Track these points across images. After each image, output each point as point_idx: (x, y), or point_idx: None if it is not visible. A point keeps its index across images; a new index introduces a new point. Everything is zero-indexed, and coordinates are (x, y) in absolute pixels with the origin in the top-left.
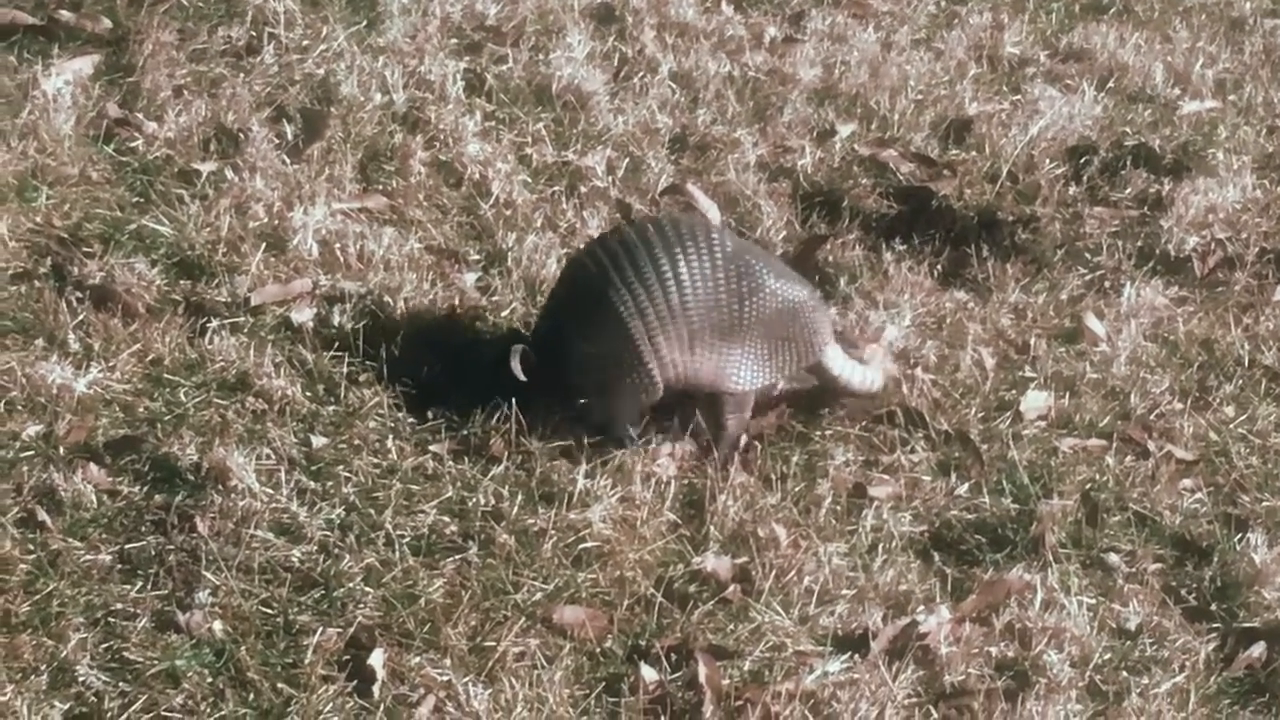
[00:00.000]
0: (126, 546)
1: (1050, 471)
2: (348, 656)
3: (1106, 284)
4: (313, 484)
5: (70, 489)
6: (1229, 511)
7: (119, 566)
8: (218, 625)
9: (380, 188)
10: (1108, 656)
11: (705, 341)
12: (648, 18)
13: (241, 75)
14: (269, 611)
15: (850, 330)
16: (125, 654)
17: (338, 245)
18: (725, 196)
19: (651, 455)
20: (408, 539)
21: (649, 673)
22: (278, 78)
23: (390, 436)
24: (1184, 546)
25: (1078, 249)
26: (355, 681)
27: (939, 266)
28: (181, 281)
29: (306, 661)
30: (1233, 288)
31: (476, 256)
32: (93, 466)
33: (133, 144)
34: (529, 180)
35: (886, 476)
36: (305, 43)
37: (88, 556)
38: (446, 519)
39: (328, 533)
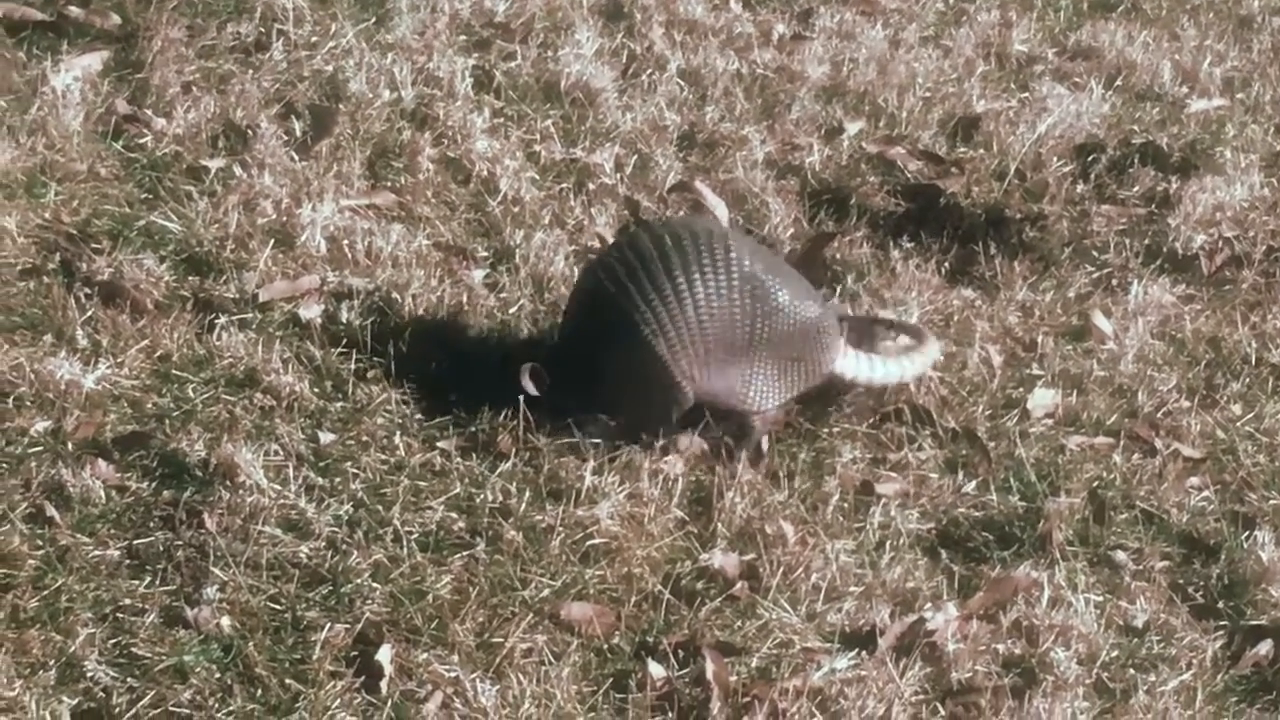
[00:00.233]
0: (135, 542)
1: (1057, 469)
2: (355, 652)
3: (1114, 282)
4: (321, 480)
5: (78, 485)
6: (1236, 509)
7: (127, 562)
8: (226, 621)
9: (388, 184)
10: (1115, 654)
11: (719, 359)
12: (656, 15)
13: (250, 72)
14: (277, 607)
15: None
16: (133, 649)
17: (346, 242)
18: (733, 194)
19: (661, 452)
20: (416, 535)
21: (656, 669)
22: (286, 74)
23: (398, 433)
24: (1191, 544)
25: (1085, 247)
26: (363, 677)
27: (946, 264)
28: (190, 278)
29: (314, 657)
30: (1240, 286)
31: (484, 253)
32: (101, 462)
33: (141, 140)
34: (537, 177)
35: (894, 474)
36: (314, 39)
37: (96, 552)
38: (454, 515)
39: (335, 529)
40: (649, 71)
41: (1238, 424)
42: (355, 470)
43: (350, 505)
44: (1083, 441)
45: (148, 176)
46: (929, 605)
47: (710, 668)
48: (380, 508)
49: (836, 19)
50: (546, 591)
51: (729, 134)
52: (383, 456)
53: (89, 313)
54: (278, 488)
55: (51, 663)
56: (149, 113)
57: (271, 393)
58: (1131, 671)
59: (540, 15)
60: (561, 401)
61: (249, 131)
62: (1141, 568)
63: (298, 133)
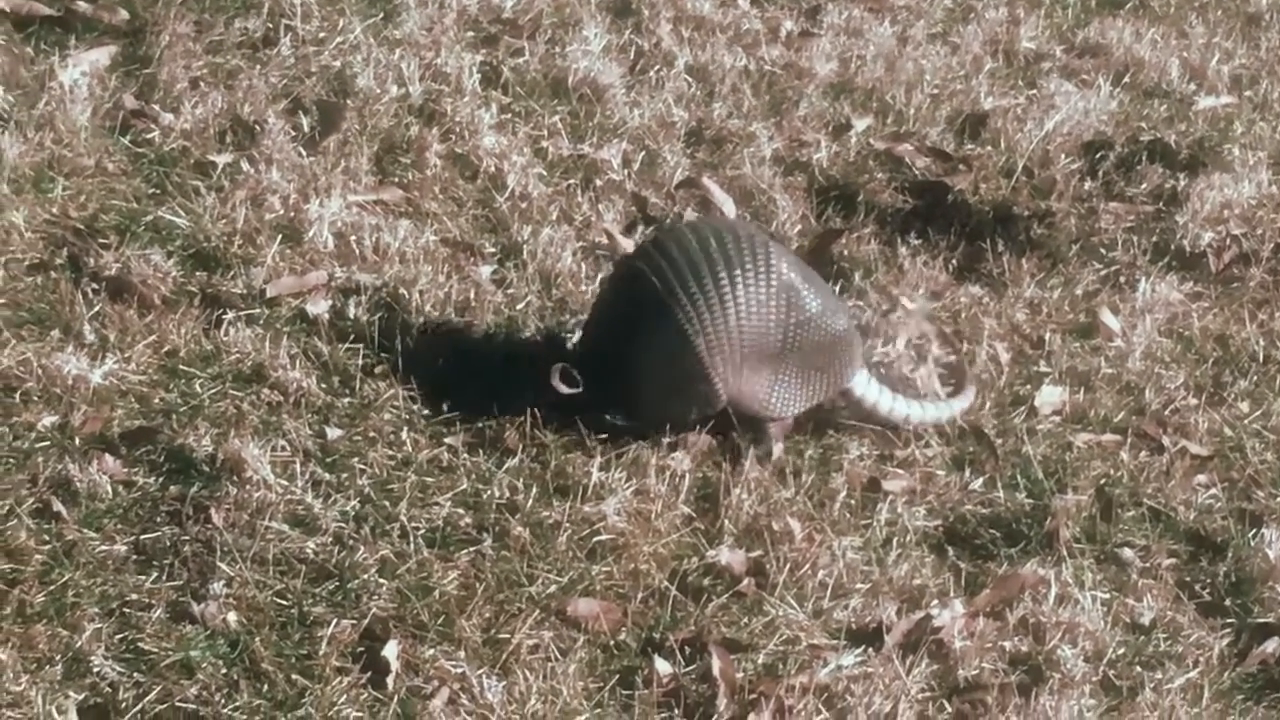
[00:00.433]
0: (142, 537)
1: (1065, 466)
2: (362, 648)
3: (1122, 279)
4: (328, 476)
5: (86, 480)
6: (1243, 507)
7: (134, 557)
8: (232, 616)
9: (396, 180)
10: (1121, 651)
11: (751, 364)
12: (664, 11)
13: (258, 67)
14: (283, 603)
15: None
16: (140, 644)
17: (353, 237)
18: (741, 190)
19: (668, 448)
20: (422, 531)
21: (663, 666)
22: (294, 70)
23: (405, 429)
24: (1198, 542)
25: (1093, 244)
26: (369, 673)
27: (954, 261)
28: (197, 273)
29: (321, 653)
30: (1248, 283)
31: (492, 249)
32: (108, 457)
33: (149, 135)
34: (545, 173)
35: (901, 471)
36: (322, 35)
37: (103, 547)
38: (461, 511)
39: (342, 524)
40: (657, 68)
41: (1245, 421)
42: (362, 466)
43: (357, 501)
44: (1090, 439)
45: (155, 172)
46: (936, 602)
47: (716, 664)
48: (387, 503)
49: (844, 16)
50: (553, 588)
51: (737, 130)
52: (390, 452)
53: (96, 308)
54: (284, 483)
55: (58, 658)
56: (156, 108)
57: (279, 388)
58: (1138, 669)
59: (548, 11)
60: (587, 398)
61: (257, 127)
62: (1148, 565)
63: (305, 128)
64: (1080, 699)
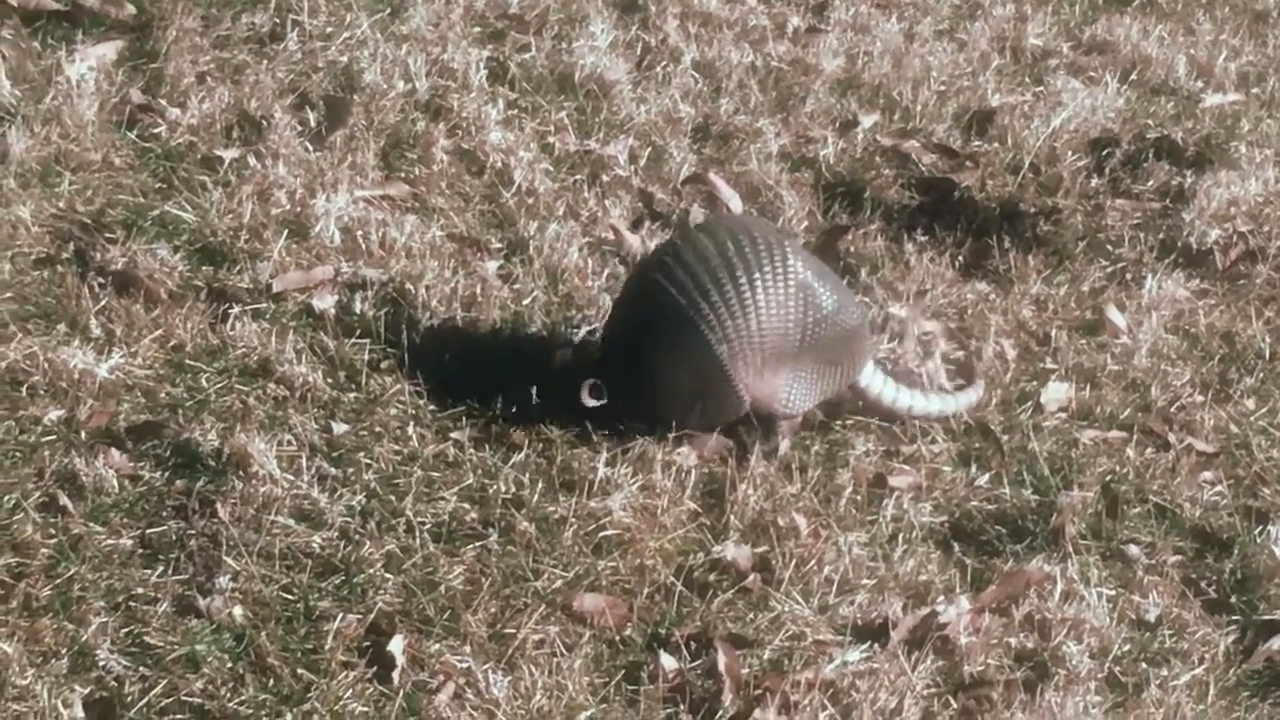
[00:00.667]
0: (147, 531)
1: (1071, 463)
2: (368, 643)
3: (1128, 276)
4: (334, 470)
5: (92, 474)
6: (1249, 504)
7: (140, 551)
8: (238, 611)
9: (402, 175)
10: (1127, 648)
11: (771, 366)
12: (671, 7)
13: (265, 62)
14: (289, 597)
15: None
16: (146, 638)
17: (360, 232)
18: (747, 186)
19: (673, 443)
20: (428, 526)
21: (668, 661)
22: (301, 65)
23: (411, 424)
24: (1204, 539)
25: (1099, 241)
26: (375, 668)
27: (960, 258)
28: (204, 268)
29: (326, 647)
30: (1254, 281)
31: (498, 245)
32: (114, 451)
33: (156, 130)
34: (551, 169)
35: (907, 467)
36: (329, 30)
37: (109, 541)
38: (467, 506)
39: (348, 519)
40: (663, 64)
41: (1251, 419)
42: (368, 461)
43: (363, 496)
44: (1096, 435)
45: (162, 166)
46: (941, 598)
47: (722, 660)
48: (393, 498)
49: (851, 12)
50: (559, 583)
51: (743, 126)
52: (396, 447)
53: (103, 302)
54: (291, 478)
55: (64, 651)
56: (163, 103)
57: (285, 383)
58: (1144, 666)
59: (555, 7)
60: (614, 409)
61: (263, 122)
62: (1154, 562)
63: (312, 123)
64: (1085, 695)
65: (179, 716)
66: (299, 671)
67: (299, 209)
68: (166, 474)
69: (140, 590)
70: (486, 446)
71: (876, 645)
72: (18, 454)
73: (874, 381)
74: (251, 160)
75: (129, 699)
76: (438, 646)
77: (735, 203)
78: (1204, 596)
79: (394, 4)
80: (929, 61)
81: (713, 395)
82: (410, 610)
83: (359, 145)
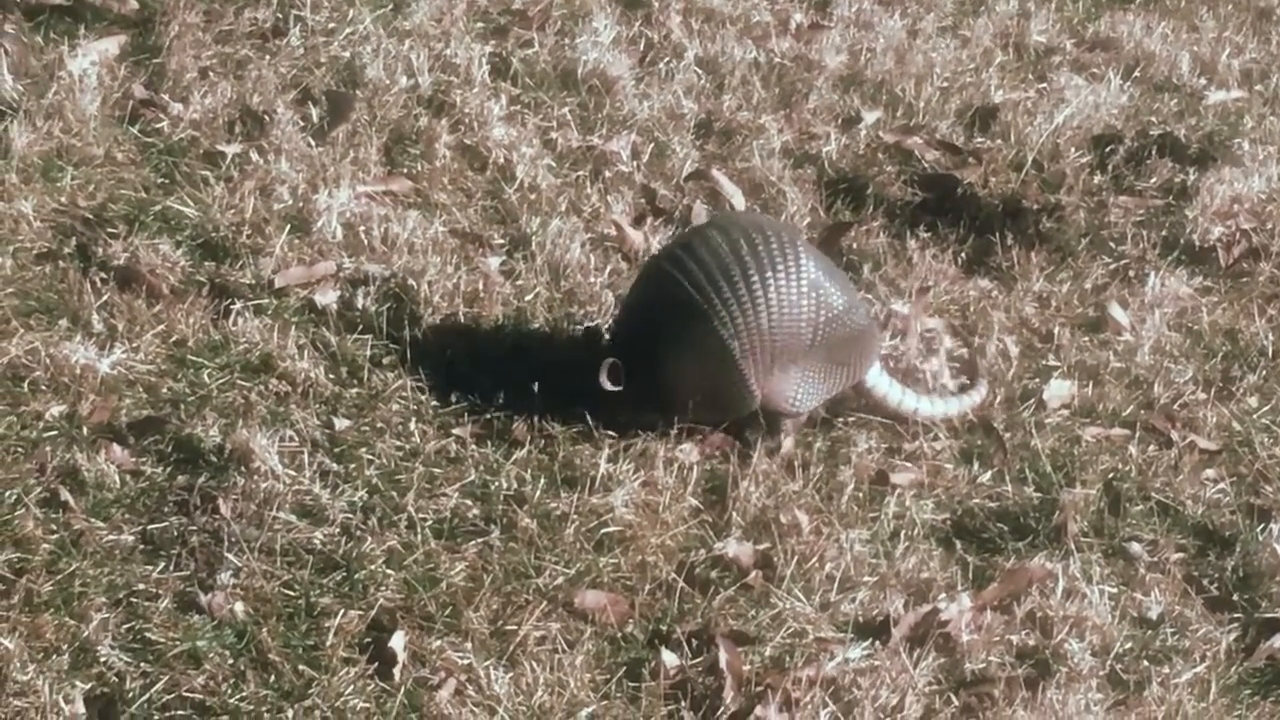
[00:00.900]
0: (149, 527)
1: (1073, 460)
2: (369, 639)
3: (1131, 273)
4: (335, 466)
5: (93, 469)
6: (1252, 502)
7: (141, 547)
8: (239, 606)
9: (405, 171)
10: (1129, 646)
11: (781, 365)
12: (674, 3)
13: (267, 57)
14: (291, 593)
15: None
16: (147, 634)
17: (362, 228)
18: (750, 182)
19: (675, 440)
20: (430, 522)
21: (670, 658)
22: (303, 60)
23: (413, 419)
24: (1206, 536)
25: (1102, 238)
26: (376, 664)
27: (963, 254)
28: (206, 263)
29: (328, 643)
30: (1257, 278)
31: (501, 240)
32: (116, 447)
33: (158, 125)
34: (554, 164)
35: (909, 464)
36: (331, 25)
37: (110, 537)
38: (469, 502)
39: (350, 515)
40: (666, 59)
41: (1254, 416)
42: (370, 457)
43: (365, 491)
44: (1098, 433)
45: (164, 161)
46: (943, 596)
47: (724, 657)
48: (395, 494)
49: (854, 8)
50: (560, 579)
51: (746, 122)
52: (398, 443)
53: (105, 297)
54: (292, 473)
55: (65, 647)
56: (166, 98)
57: (287, 378)
58: (1145, 663)
59: (558, 2)
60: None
61: (266, 117)
62: (1156, 560)
63: (314, 119)
64: (1087, 693)
65: (180, 712)
66: (300, 668)
67: (301, 204)
68: (168, 469)
69: (141, 586)
70: (488, 442)
71: (878, 642)
72: (19, 449)
73: (880, 382)
74: (254, 155)
75: (130, 695)
76: (439, 643)
77: (738, 199)
78: (1206, 594)
79: None
80: (932, 58)
81: (723, 391)
82: (412, 606)
83: (361, 140)
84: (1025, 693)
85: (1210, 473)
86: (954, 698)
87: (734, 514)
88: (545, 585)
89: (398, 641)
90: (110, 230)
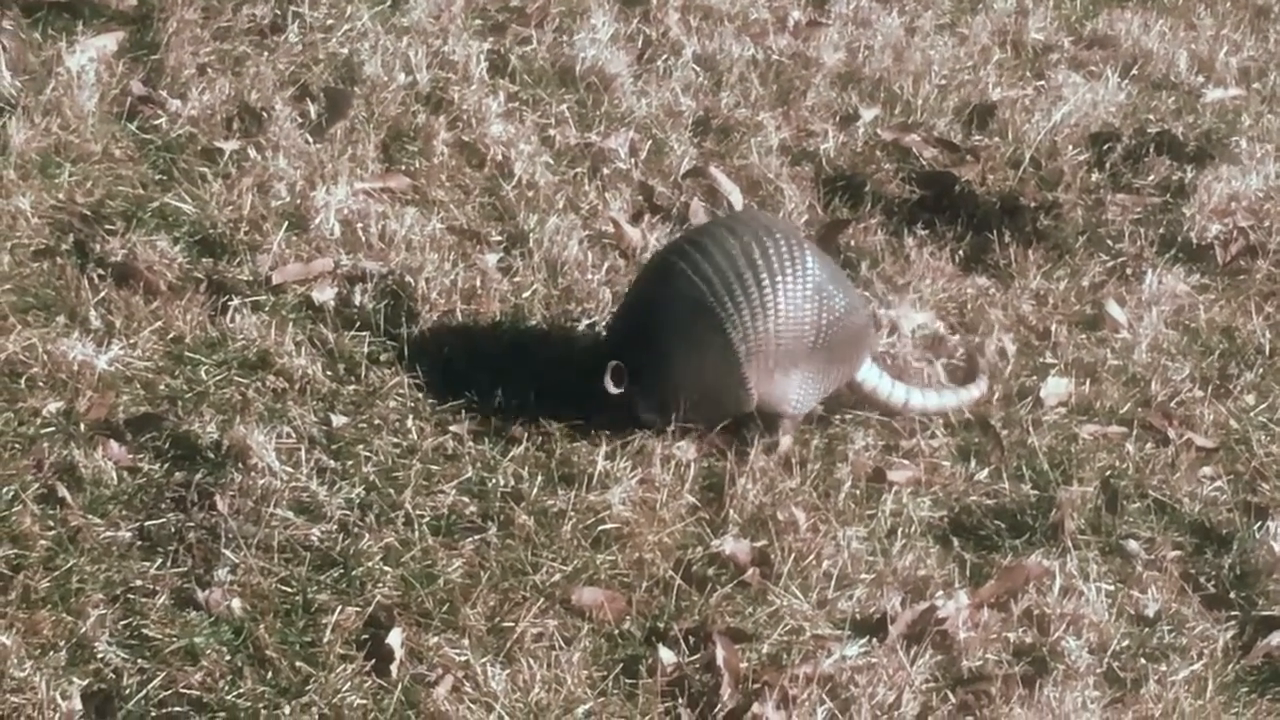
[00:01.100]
0: (146, 523)
1: (1070, 458)
2: (366, 635)
3: (1128, 271)
4: (333, 463)
5: (90, 466)
6: (1249, 499)
7: (139, 543)
8: (237, 603)
9: (403, 168)
10: (1126, 643)
11: (783, 367)
12: (672, 0)
13: (265, 54)
14: (288, 590)
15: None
16: (144, 631)
17: (360, 225)
18: (747, 180)
19: (673, 437)
20: (427, 519)
21: (667, 655)
22: (301, 57)
23: (410, 416)
24: (1203, 534)
25: (1100, 235)
26: (373, 660)
27: (961, 252)
28: (203, 260)
29: (325, 640)
30: (1254, 276)
31: (498, 237)
32: (113, 443)
33: (156, 122)
34: (551, 162)
35: (906, 461)
36: (329, 22)
37: (107, 533)
38: (466, 499)
39: (347, 512)
40: (664, 57)
41: (1251, 414)
42: (367, 453)
43: (362, 488)
44: (1096, 430)
45: (162, 158)
46: (940, 593)
47: (721, 654)
48: (392, 491)
49: (853, 5)
50: (557, 576)
51: (744, 120)
52: (395, 440)
53: (102, 294)
54: (289, 470)
55: (62, 643)
56: (164, 94)
57: (284, 375)
58: (1142, 661)
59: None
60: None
61: (264, 114)
62: (1153, 557)
63: (312, 115)
64: (1084, 690)
65: (177, 709)
66: (297, 664)
67: (299, 201)
68: (165, 466)
69: (139, 582)
70: (486, 440)
71: (875, 640)
72: (16, 445)
73: (869, 375)
74: (252, 152)
75: (127, 691)
76: (436, 639)
77: (735, 196)
78: (1203, 592)
79: None
80: (930, 55)
81: (721, 391)
82: (409, 603)
83: (359, 137)
84: (1022, 690)
85: (1207, 470)
86: (951, 695)
87: (731, 511)
88: (542, 582)
89: (395, 638)
90: (108, 227)
